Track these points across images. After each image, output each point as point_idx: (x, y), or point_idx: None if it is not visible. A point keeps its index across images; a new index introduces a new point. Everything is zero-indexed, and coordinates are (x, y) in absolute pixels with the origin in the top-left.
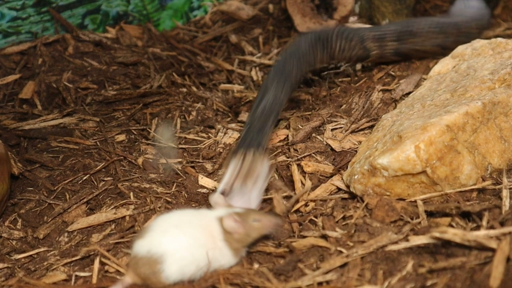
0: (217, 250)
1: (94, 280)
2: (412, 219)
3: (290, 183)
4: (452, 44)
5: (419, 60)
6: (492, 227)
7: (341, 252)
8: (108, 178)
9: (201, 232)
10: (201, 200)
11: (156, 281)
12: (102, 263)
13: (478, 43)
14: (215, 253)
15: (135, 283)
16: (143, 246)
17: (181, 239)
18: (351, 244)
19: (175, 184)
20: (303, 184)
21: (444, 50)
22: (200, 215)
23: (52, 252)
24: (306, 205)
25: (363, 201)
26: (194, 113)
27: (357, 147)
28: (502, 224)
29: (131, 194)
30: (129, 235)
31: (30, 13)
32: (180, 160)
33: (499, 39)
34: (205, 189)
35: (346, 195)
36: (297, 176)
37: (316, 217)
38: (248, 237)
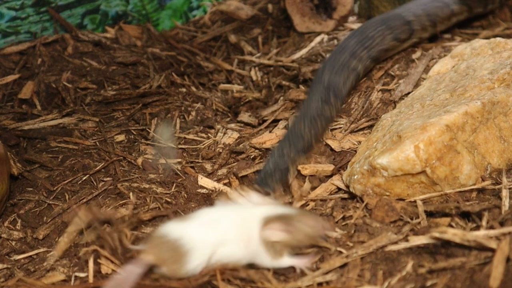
0: (252, 250)
1: (91, 280)
2: (411, 219)
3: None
4: None
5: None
6: (491, 227)
7: (341, 252)
8: (108, 179)
9: (238, 230)
10: (201, 200)
11: (174, 270)
12: (98, 264)
13: (477, 43)
14: (249, 254)
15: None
16: (174, 231)
17: (213, 236)
18: (351, 244)
19: (174, 184)
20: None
21: None
22: (244, 212)
23: (51, 253)
24: (306, 204)
25: (362, 201)
26: (193, 113)
27: (356, 147)
28: (501, 224)
29: (131, 194)
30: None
31: (29, 13)
32: (179, 160)
33: (498, 38)
34: (205, 189)
35: (346, 195)
36: (294, 180)
37: None
38: (293, 241)
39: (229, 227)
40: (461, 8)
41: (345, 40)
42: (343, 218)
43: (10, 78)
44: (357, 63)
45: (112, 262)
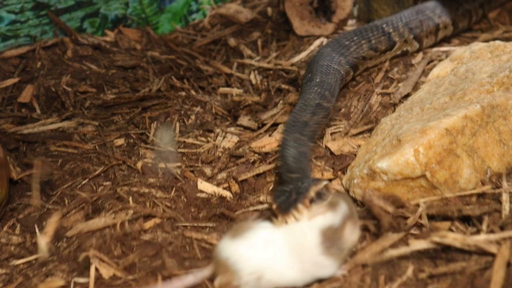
0: (310, 265)
1: (91, 286)
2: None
3: None
4: None
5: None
6: (492, 232)
7: None
8: (107, 183)
9: (290, 251)
10: (200, 205)
11: (226, 284)
12: (97, 270)
13: (476, 46)
14: (306, 272)
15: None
16: (225, 249)
17: (260, 259)
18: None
19: (174, 189)
20: None
21: None
22: (298, 227)
23: (50, 258)
24: None
25: (363, 205)
26: (193, 117)
27: (356, 151)
28: (502, 228)
29: (130, 198)
30: (129, 240)
31: (29, 16)
32: (179, 164)
33: (497, 42)
34: (204, 194)
35: None
36: None
37: None
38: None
39: (279, 249)
40: (445, 22)
41: (322, 48)
42: None
43: (10, 81)
44: (338, 67)
45: (111, 266)
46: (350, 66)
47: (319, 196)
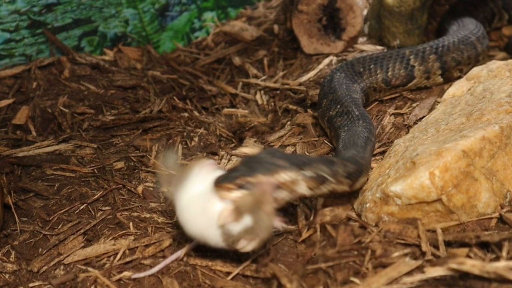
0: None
1: None
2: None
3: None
4: None
5: None
6: None
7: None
8: (106, 208)
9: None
10: None
11: None
12: None
13: (494, 64)
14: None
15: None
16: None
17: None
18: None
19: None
20: (307, 216)
21: None
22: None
23: (47, 287)
24: (313, 234)
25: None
26: (196, 139)
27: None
28: None
29: (131, 224)
30: (129, 268)
31: (24, 35)
32: None
33: None
34: None
35: (356, 224)
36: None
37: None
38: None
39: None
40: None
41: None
42: (359, 243)
43: (4, 102)
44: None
45: None
46: None
47: (246, 187)
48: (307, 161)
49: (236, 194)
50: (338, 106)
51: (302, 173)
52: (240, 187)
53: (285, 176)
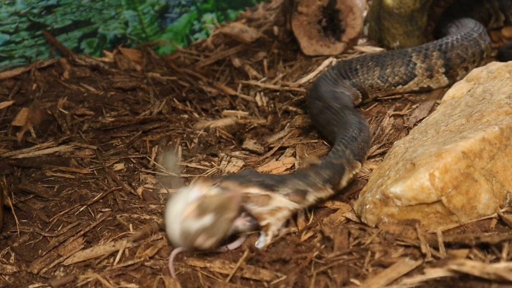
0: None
1: None
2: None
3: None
4: None
5: None
6: None
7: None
8: (106, 209)
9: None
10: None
11: None
12: None
13: (494, 65)
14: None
15: None
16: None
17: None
18: (366, 273)
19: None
20: (307, 218)
21: None
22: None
23: None
24: (314, 236)
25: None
26: (196, 140)
27: (367, 176)
28: None
29: (131, 226)
30: (130, 270)
31: (24, 36)
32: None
33: None
34: None
35: (356, 226)
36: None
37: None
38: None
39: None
40: None
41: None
42: (358, 244)
43: (4, 104)
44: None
45: None
46: None
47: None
48: (281, 179)
49: (210, 191)
50: (321, 104)
51: (278, 191)
52: (215, 186)
53: (255, 190)
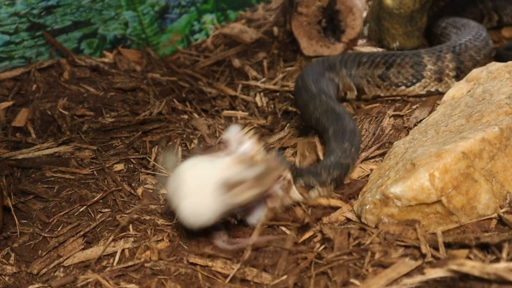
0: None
1: None
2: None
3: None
4: None
5: None
6: None
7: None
8: (106, 210)
9: None
10: (202, 232)
11: None
12: None
13: (493, 66)
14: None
15: None
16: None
17: None
18: (366, 274)
19: (176, 216)
20: (307, 218)
21: None
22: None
23: None
24: (314, 236)
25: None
26: (196, 141)
27: (367, 176)
28: None
29: (131, 226)
30: (130, 270)
31: (24, 37)
32: None
33: None
34: None
35: (356, 226)
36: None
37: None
38: None
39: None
40: None
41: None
42: (358, 244)
43: (4, 105)
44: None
45: None
46: None
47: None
48: (299, 172)
49: (259, 153)
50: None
51: (296, 181)
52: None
53: (288, 175)
